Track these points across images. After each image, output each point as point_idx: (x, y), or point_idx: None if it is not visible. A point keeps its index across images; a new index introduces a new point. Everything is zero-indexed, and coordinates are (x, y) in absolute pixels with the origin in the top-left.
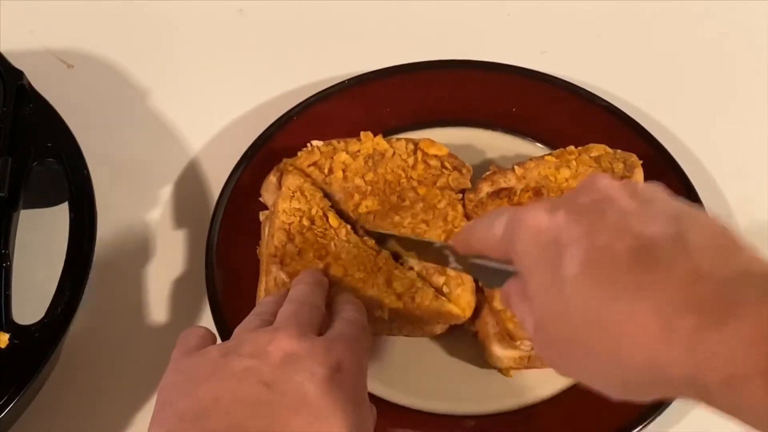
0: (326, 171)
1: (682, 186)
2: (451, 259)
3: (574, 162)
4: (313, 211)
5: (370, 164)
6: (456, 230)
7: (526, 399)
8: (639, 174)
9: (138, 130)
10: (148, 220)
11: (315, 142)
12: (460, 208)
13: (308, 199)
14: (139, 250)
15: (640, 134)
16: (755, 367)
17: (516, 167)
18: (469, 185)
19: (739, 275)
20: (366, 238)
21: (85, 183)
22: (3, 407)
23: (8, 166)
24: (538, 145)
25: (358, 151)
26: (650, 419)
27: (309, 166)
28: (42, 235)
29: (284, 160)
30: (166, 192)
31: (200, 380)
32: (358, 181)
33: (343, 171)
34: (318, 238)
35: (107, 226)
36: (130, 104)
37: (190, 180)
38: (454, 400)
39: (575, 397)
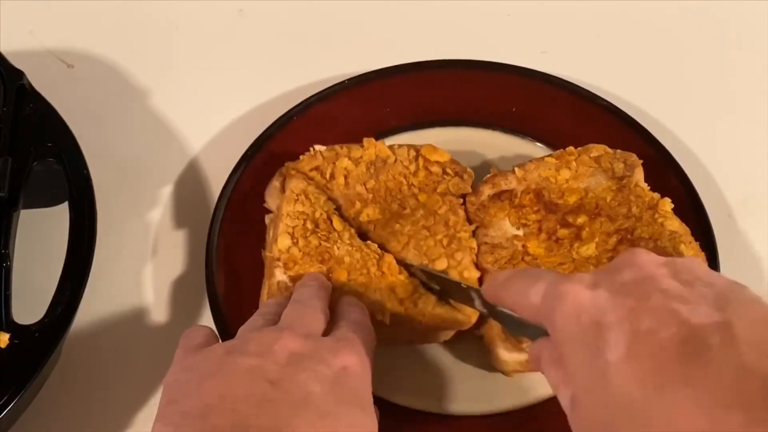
0: (328, 176)
1: (682, 186)
2: (478, 302)
3: (574, 163)
4: (317, 215)
5: (371, 171)
6: (458, 234)
7: (527, 399)
8: (639, 173)
9: (138, 130)
10: (148, 220)
11: (318, 147)
12: (461, 212)
13: (312, 202)
14: (139, 250)
15: (640, 134)
16: None
17: (516, 169)
18: (470, 190)
19: None
20: (369, 242)
21: (85, 183)
22: (3, 407)
23: (8, 166)
24: (538, 144)
25: (361, 157)
26: None
27: (311, 170)
28: (42, 235)
29: (287, 164)
30: (166, 192)
31: (205, 377)
32: (359, 188)
33: (345, 177)
34: (322, 242)
35: (107, 226)
36: (130, 104)
37: (190, 180)
38: (455, 400)
39: None
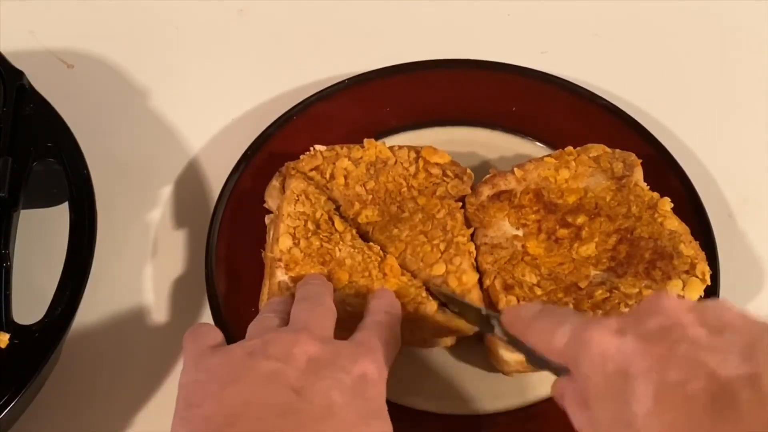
0: (328, 176)
1: (682, 186)
2: (498, 330)
3: (573, 162)
4: (318, 215)
5: (371, 172)
6: (455, 239)
7: (526, 398)
8: (639, 173)
9: (138, 130)
10: (148, 220)
11: (318, 147)
12: (459, 216)
13: (313, 202)
14: (139, 250)
15: (639, 134)
16: None
17: (516, 169)
18: (470, 192)
19: None
20: (371, 243)
21: (85, 183)
22: (3, 407)
23: (8, 166)
24: (538, 144)
25: (361, 157)
26: None
27: (311, 170)
28: (42, 235)
29: (287, 164)
30: (166, 192)
31: (227, 381)
32: (359, 189)
33: (345, 177)
34: (323, 243)
35: (107, 226)
36: (130, 104)
37: (190, 180)
38: (456, 400)
39: None
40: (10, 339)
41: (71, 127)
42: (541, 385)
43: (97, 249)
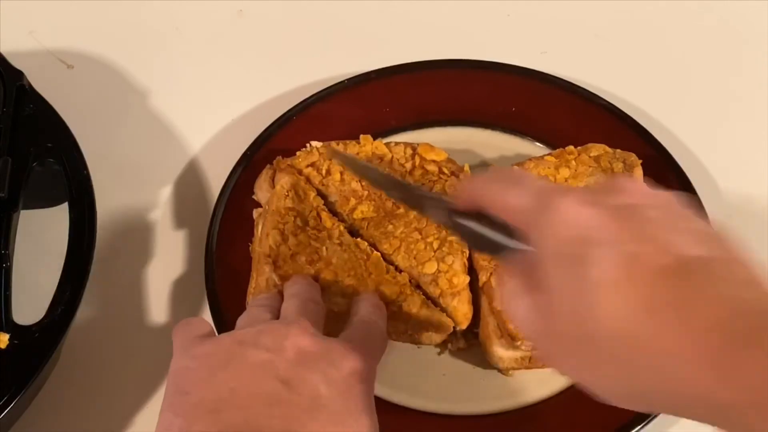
0: (324, 172)
1: (682, 186)
2: (442, 212)
3: (573, 162)
4: (307, 211)
5: None
6: (449, 237)
7: (525, 399)
8: (639, 173)
9: (138, 130)
10: (148, 220)
11: (314, 143)
12: None
13: (302, 198)
14: (139, 250)
15: (640, 134)
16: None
17: (515, 168)
18: None
19: (765, 305)
20: (359, 240)
21: (85, 183)
22: (3, 407)
23: (8, 166)
24: (538, 144)
25: (357, 154)
26: (650, 419)
27: (307, 166)
28: (42, 235)
29: (278, 158)
30: (166, 192)
31: (216, 368)
32: (354, 185)
33: (341, 173)
34: (311, 241)
35: (107, 226)
36: (130, 104)
37: (190, 180)
38: (454, 400)
39: (575, 397)
40: (10, 339)
41: (71, 127)
42: (540, 385)
43: (97, 249)
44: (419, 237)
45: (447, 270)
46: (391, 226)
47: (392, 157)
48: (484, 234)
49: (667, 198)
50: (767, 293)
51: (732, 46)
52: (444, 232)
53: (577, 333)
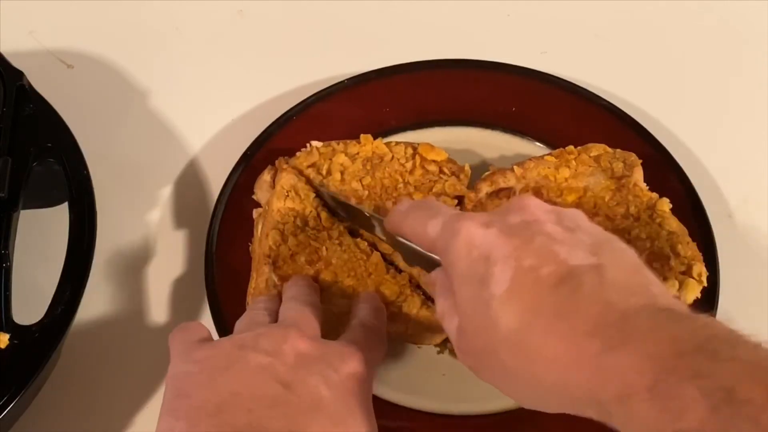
0: (324, 172)
1: (682, 186)
2: (379, 230)
3: (573, 162)
4: (307, 212)
5: (368, 167)
6: None
7: None
8: (639, 173)
9: (138, 130)
10: (148, 220)
11: (314, 143)
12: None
13: (302, 198)
14: (139, 250)
15: (640, 134)
16: (641, 382)
17: (515, 167)
18: (466, 192)
19: (642, 308)
20: (358, 240)
21: (85, 183)
22: (3, 407)
23: (8, 166)
24: (538, 144)
25: (357, 153)
26: None
27: (308, 167)
28: (42, 235)
29: (280, 159)
30: (166, 192)
31: (216, 372)
32: (355, 184)
33: (341, 173)
34: (311, 242)
35: (107, 226)
36: (130, 104)
37: (190, 180)
38: (454, 400)
39: None
40: (10, 339)
41: (71, 127)
42: None
43: (97, 249)
44: None
45: None
46: None
47: (392, 156)
48: (414, 249)
49: (564, 213)
50: (644, 297)
51: (732, 46)
52: None
53: (484, 347)
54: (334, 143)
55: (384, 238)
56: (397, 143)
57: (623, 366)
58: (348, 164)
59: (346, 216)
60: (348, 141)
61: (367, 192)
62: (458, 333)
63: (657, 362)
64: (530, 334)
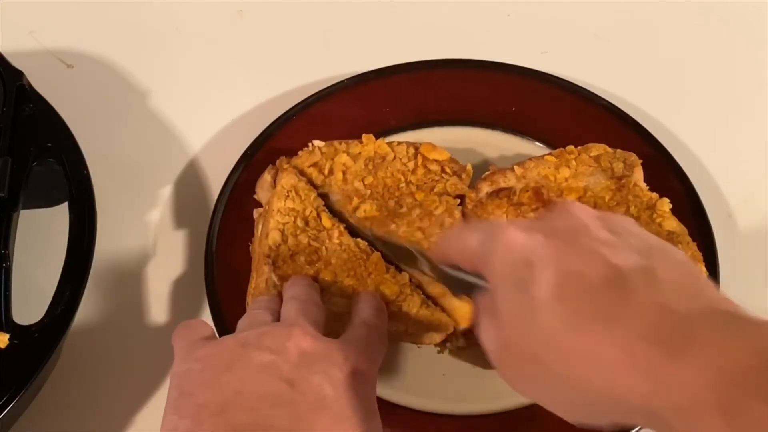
0: (326, 172)
1: (682, 186)
2: (425, 264)
3: (573, 161)
4: (307, 212)
5: (370, 167)
6: None
7: (526, 399)
8: (639, 173)
9: (138, 130)
10: (148, 220)
11: (316, 143)
12: (457, 214)
13: (303, 198)
14: (139, 250)
15: (640, 134)
16: (708, 397)
17: (516, 167)
18: (467, 191)
19: (701, 312)
20: (358, 240)
21: (85, 183)
22: (3, 407)
23: (8, 166)
24: (538, 144)
25: (359, 153)
26: None
27: (309, 166)
28: (42, 235)
29: (281, 158)
30: (166, 192)
31: (220, 370)
32: (357, 184)
33: (344, 173)
34: (311, 242)
35: (107, 226)
36: (130, 104)
37: (190, 180)
38: (454, 400)
39: None
40: (10, 339)
41: (71, 127)
42: None
43: (97, 249)
44: (422, 236)
45: None
46: (393, 226)
47: (395, 156)
48: (461, 277)
49: (613, 218)
50: (702, 300)
51: (732, 46)
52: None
53: (525, 353)
54: (336, 143)
55: (431, 273)
56: (399, 143)
57: (687, 375)
58: (350, 164)
59: (389, 253)
60: (350, 141)
61: (369, 191)
62: (500, 346)
63: (725, 375)
64: (579, 337)
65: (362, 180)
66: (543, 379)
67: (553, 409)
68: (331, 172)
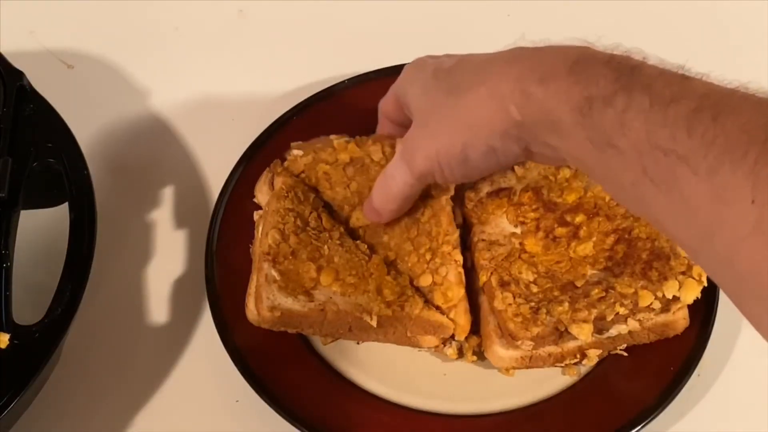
0: (313, 181)
1: None
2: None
3: None
4: (307, 212)
5: (350, 173)
6: (441, 248)
7: (525, 399)
8: None
9: (138, 130)
10: (148, 220)
11: (294, 151)
12: (444, 219)
13: (302, 199)
14: (139, 250)
15: None
16: (562, 67)
17: (516, 167)
18: (452, 192)
19: (555, 51)
20: (359, 242)
21: (85, 183)
22: (3, 407)
23: (8, 166)
24: None
25: (336, 160)
26: (649, 419)
27: (300, 174)
28: (42, 235)
29: (275, 161)
30: (166, 192)
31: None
32: (343, 191)
33: (328, 181)
34: (312, 240)
35: (107, 226)
36: (130, 104)
37: (190, 180)
38: (454, 400)
39: (575, 397)
40: (10, 339)
41: (71, 127)
42: (540, 385)
43: (97, 249)
44: (411, 248)
45: (441, 282)
46: (386, 237)
47: (371, 159)
48: None
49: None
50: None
51: (732, 47)
52: (435, 243)
53: (428, 118)
54: (313, 148)
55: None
56: (374, 142)
57: (549, 97)
58: (331, 172)
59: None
60: (323, 146)
61: (357, 198)
62: (414, 121)
63: (576, 54)
64: (460, 97)
65: (347, 186)
66: (444, 130)
67: (445, 174)
68: (317, 180)
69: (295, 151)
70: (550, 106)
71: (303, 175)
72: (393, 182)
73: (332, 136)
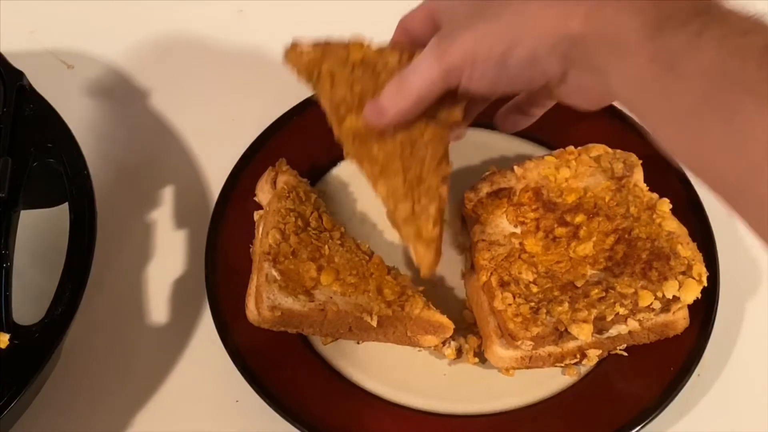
0: (315, 78)
1: (682, 186)
2: None
3: (573, 162)
4: (308, 213)
5: (358, 73)
6: (429, 178)
7: (525, 399)
8: (639, 173)
9: (138, 130)
10: (148, 220)
11: (303, 47)
12: (441, 148)
13: (303, 200)
14: (139, 250)
15: (640, 134)
16: (640, 20)
17: (516, 167)
18: (460, 118)
19: None
20: (361, 242)
21: (85, 183)
22: (3, 407)
23: (8, 166)
24: (538, 145)
25: (347, 59)
26: (649, 419)
27: (300, 72)
28: (42, 235)
29: (280, 160)
30: (166, 192)
31: None
32: (344, 91)
33: (330, 80)
34: (313, 240)
35: (107, 226)
36: (130, 104)
37: (190, 180)
38: (454, 400)
39: (575, 397)
40: (10, 339)
41: (71, 127)
42: (540, 385)
43: (97, 249)
44: (399, 168)
45: (421, 213)
46: (375, 148)
47: (386, 63)
48: None
49: None
50: None
51: None
52: (422, 169)
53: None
54: (323, 47)
55: None
56: (392, 50)
57: (615, 13)
58: (337, 70)
59: None
60: (337, 42)
61: (357, 101)
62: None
63: (652, 10)
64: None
65: (350, 88)
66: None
67: (475, 75)
68: (319, 78)
69: (304, 47)
70: (619, 20)
71: (303, 72)
72: (414, 75)
73: (303, 45)
